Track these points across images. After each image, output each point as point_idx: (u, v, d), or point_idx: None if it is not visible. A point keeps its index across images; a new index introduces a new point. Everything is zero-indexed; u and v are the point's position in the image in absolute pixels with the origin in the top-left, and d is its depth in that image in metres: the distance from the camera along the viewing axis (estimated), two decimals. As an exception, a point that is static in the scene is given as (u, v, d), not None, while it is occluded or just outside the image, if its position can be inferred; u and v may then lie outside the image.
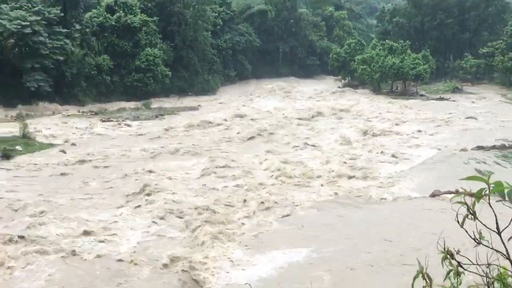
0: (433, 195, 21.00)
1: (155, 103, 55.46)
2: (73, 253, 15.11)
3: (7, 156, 29.03)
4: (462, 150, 29.86)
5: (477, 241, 2.73)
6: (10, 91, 49.73)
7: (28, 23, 48.68)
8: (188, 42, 68.25)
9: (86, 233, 16.66)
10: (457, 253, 2.78)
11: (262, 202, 20.16)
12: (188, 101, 61.23)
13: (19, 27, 48.32)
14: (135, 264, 14.58)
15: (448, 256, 2.76)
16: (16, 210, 18.78)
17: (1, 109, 47.62)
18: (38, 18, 49.85)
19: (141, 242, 16.31)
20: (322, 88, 73.70)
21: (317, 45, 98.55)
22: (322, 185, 23.24)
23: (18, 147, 31.33)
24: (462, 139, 33.87)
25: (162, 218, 18.43)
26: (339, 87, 75.47)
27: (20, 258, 14.55)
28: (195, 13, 69.10)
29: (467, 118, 43.04)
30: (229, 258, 15.16)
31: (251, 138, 35.84)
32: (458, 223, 2.70)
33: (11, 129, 36.66)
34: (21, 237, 15.85)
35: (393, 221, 18.31)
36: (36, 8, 50.46)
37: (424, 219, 18.22)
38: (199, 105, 56.51)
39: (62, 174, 25.75)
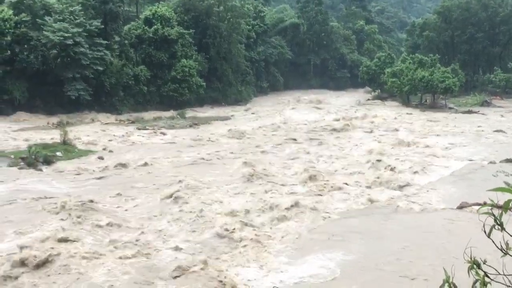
0: (460, 207, 20.68)
1: (190, 113, 55.96)
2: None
3: (48, 161, 29.77)
4: (490, 162, 29.50)
5: (504, 251, 2.74)
6: (52, 100, 51.55)
7: (70, 34, 50.22)
8: (222, 54, 69.59)
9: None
10: (484, 263, 2.75)
11: (292, 209, 20.26)
12: (222, 111, 62.19)
13: (62, 38, 49.81)
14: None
15: (475, 266, 2.74)
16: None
17: (43, 116, 49.20)
18: (80, 30, 51.43)
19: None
20: (352, 100, 74.07)
21: (348, 58, 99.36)
22: (350, 195, 23.19)
23: (58, 153, 31.98)
24: (490, 152, 33.58)
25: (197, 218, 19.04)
26: (368, 99, 76.08)
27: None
28: (230, 26, 70.41)
29: (496, 131, 42.90)
30: (258, 263, 15.46)
31: (284, 147, 36.23)
32: (485, 233, 2.71)
33: (52, 135, 37.65)
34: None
35: (421, 231, 18.14)
36: (78, 21, 51.97)
37: (451, 230, 18.06)
38: (232, 115, 57.51)
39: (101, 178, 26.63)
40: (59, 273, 13.96)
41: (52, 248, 15.16)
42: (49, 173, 28.04)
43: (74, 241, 16.32)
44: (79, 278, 13.78)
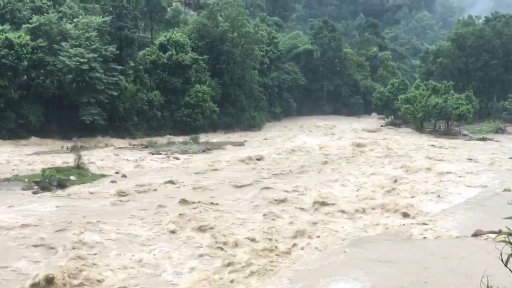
0: (475, 235, 20.25)
1: (203, 138, 55.79)
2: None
3: (62, 185, 29.78)
4: (505, 190, 29.02)
5: (521, 280, 2.62)
6: (67, 124, 52.12)
7: (85, 60, 50.86)
8: (236, 80, 70.03)
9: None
10: (502, 292, 2.50)
11: (306, 233, 20.26)
12: (235, 136, 62.20)
13: (78, 63, 50.41)
14: None
15: (493, 295, 2.54)
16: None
17: (58, 140, 49.68)
18: (95, 55, 52.12)
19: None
20: (365, 126, 73.97)
21: (361, 84, 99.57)
22: (363, 220, 23.07)
23: (72, 177, 31.88)
24: (505, 179, 32.93)
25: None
26: (382, 125, 76.02)
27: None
28: (243, 52, 71.00)
29: (510, 158, 42.29)
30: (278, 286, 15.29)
31: (296, 172, 36.04)
32: (502, 262, 2.70)
33: (66, 160, 37.70)
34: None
35: (435, 259, 17.78)
36: (93, 46, 52.71)
37: (466, 258, 17.70)
38: (245, 140, 57.37)
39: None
40: None
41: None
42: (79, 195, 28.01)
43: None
44: None
